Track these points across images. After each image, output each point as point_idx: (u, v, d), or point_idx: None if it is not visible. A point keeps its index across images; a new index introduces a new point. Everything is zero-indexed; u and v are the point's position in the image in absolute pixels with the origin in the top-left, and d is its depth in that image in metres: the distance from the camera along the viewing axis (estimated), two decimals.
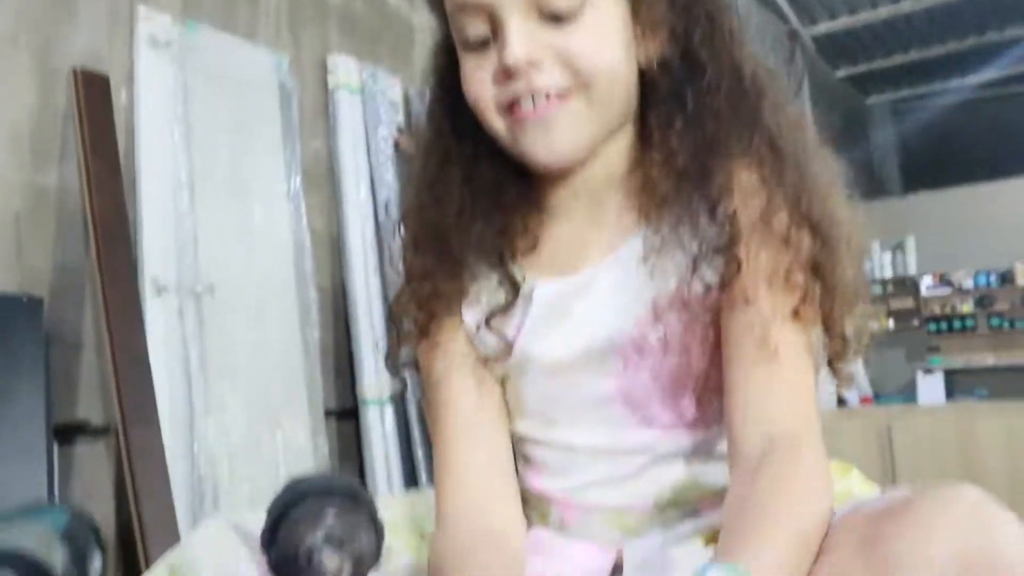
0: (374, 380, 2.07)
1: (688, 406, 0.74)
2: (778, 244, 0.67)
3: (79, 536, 0.46)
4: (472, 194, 0.76)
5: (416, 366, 0.83)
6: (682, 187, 0.69)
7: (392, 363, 0.83)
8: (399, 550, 0.78)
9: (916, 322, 5.30)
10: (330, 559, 0.43)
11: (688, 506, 0.75)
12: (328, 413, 2.09)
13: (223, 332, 1.91)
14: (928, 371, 5.16)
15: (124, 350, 1.72)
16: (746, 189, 0.69)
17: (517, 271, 0.77)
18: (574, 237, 0.77)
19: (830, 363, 0.69)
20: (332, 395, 2.16)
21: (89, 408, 1.75)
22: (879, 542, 0.54)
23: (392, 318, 0.82)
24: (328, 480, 0.47)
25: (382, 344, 2.07)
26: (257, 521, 0.75)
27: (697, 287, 0.69)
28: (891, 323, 5.28)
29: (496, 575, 0.66)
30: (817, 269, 0.66)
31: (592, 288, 0.75)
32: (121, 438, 1.64)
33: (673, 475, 0.75)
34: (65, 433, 1.68)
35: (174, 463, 1.72)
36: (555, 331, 0.75)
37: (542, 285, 0.76)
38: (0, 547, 0.42)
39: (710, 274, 0.68)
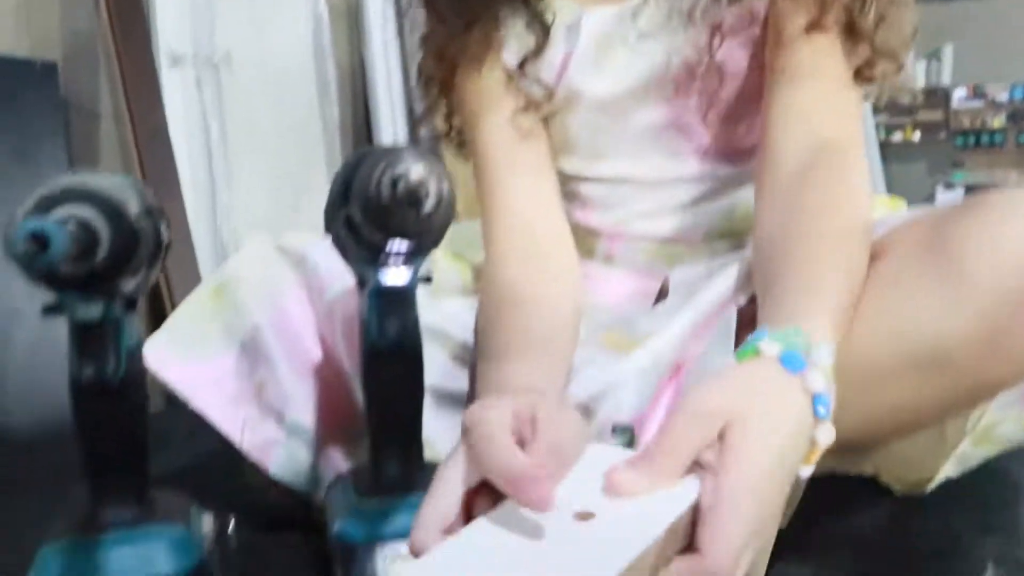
0: None
1: (743, 134, 0.73)
2: None
3: (149, 196, 0.47)
4: None
5: (448, 133, 0.81)
6: None
7: (429, 131, 0.80)
8: (440, 261, 0.79)
9: (943, 135, 5.17)
10: (416, 172, 0.41)
11: (737, 237, 0.75)
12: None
13: (242, 106, 1.87)
14: (949, 186, 5.09)
15: (143, 120, 1.70)
16: None
17: (546, 8, 0.73)
18: None
19: (858, 73, 0.66)
20: None
21: None
22: (946, 242, 0.53)
23: (420, 86, 0.79)
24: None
25: (401, 122, 2.03)
26: (300, 240, 0.76)
27: (728, 5, 0.66)
28: (917, 135, 5.16)
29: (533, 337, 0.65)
30: None
31: (638, 17, 0.71)
32: None
33: (725, 205, 0.74)
34: None
35: (198, 235, 1.74)
36: (604, 63, 0.73)
37: (589, 14, 0.72)
38: (77, 184, 0.42)
39: None
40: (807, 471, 0.48)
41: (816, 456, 0.47)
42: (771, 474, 0.42)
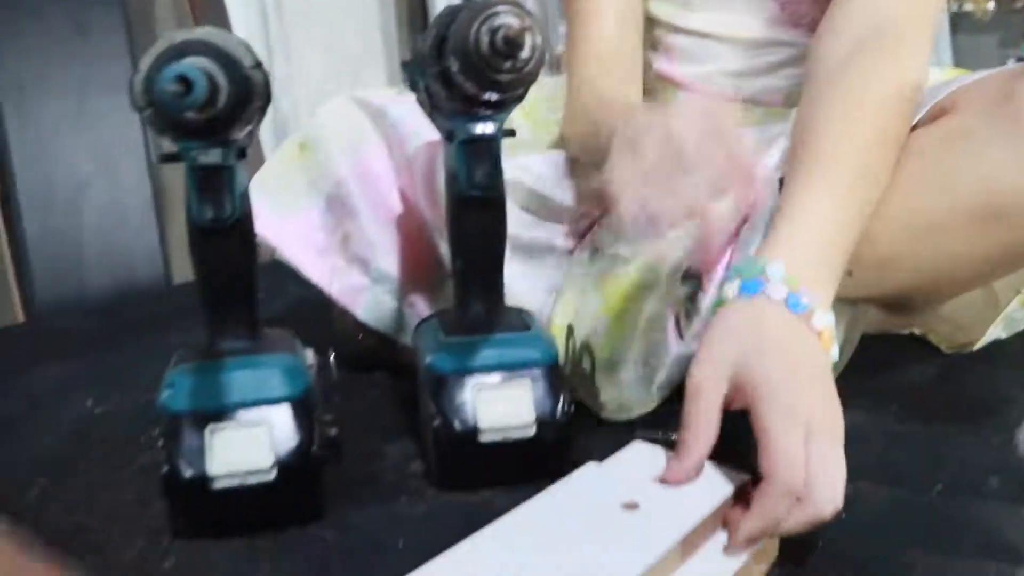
0: None
1: None
2: None
3: (253, 51, 0.49)
4: None
5: None
6: None
7: None
8: (516, 119, 0.82)
9: (1020, 4, 4.89)
10: (515, 24, 0.43)
11: None
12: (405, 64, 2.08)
13: None
14: (1022, 60, 4.87)
15: None
16: None
17: None
18: None
19: None
20: (408, 49, 2.14)
21: None
22: (1016, 98, 0.55)
23: None
24: None
25: None
26: (377, 96, 0.79)
27: None
28: (991, 4, 4.91)
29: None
30: None
31: None
32: None
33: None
34: None
35: None
36: None
37: None
38: (196, 38, 0.45)
39: None
40: (835, 353, 0.53)
41: (829, 340, 0.52)
42: (794, 376, 0.48)
